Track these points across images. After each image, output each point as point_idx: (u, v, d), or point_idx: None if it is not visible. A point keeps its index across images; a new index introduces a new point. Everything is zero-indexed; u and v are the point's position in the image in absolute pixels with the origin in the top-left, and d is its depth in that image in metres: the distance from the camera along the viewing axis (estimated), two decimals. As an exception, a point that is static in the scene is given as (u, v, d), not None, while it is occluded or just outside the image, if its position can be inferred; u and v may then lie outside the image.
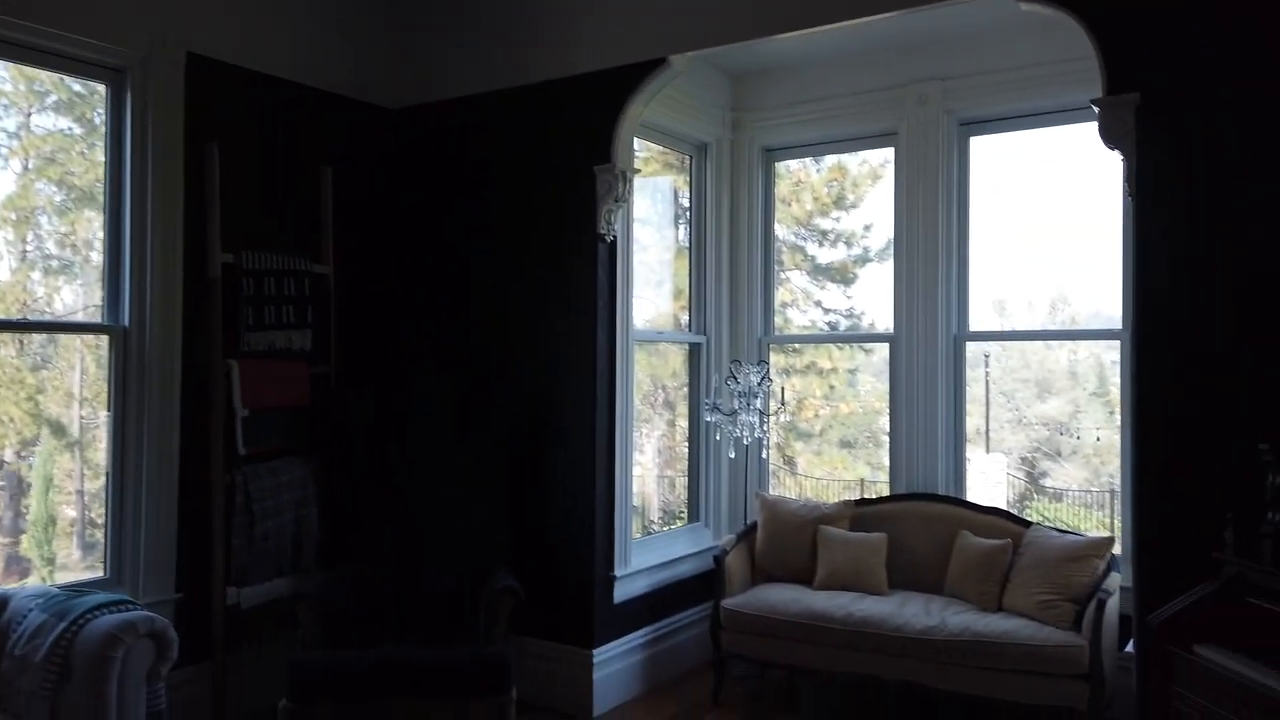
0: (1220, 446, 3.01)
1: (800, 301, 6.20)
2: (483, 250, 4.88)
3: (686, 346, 5.57)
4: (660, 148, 5.33)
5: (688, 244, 5.56)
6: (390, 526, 4.29)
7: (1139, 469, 3.25)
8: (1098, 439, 5.34)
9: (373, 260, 4.98)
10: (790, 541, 4.91)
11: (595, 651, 4.44)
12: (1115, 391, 5.03)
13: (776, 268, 5.82)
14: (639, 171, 4.76)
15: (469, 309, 4.92)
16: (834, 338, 5.99)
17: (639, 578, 4.79)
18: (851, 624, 4.31)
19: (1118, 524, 4.84)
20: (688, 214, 5.57)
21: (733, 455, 5.34)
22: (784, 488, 6.03)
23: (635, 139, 4.76)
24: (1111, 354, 4.85)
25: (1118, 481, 4.84)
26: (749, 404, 5.18)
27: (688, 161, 5.54)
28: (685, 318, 5.56)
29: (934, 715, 4.44)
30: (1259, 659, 2.44)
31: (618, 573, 4.59)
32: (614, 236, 4.63)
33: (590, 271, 4.55)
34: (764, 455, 5.56)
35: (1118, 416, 4.71)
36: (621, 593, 4.63)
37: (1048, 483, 5.54)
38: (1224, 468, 2.95)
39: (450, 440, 4.52)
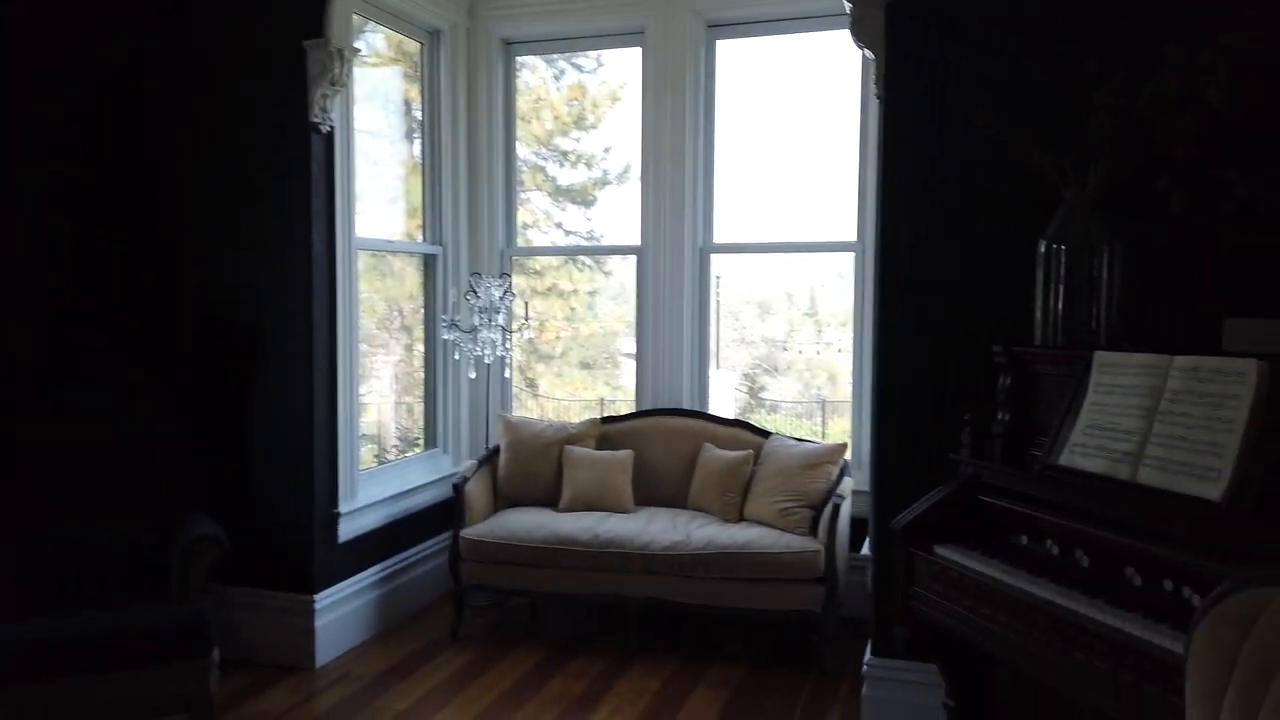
0: (957, 352, 3.07)
1: (542, 223, 5.89)
2: (182, 148, 4.07)
3: (421, 260, 5.06)
4: (388, 30, 4.70)
5: (422, 158, 5.01)
6: (56, 477, 3.52)
7: (880, 376, 3.27)
8: (819, 353, 5.58)
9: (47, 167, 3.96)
10: (535, 464, 4.66)
11: (317, 597, 3.96)
12: (825, 312, 5.18)
13: (518, 188, 5.43)
14: (359, 53, 4.15)
15: (159, 215, 4.11)
16: (582, 250, 5.72)
17: (370, 512, 4.34)
18: (597, 545, 4.15)
19: (826, 432, 5.01)
20: (422, 128, 5.00)
21: (473, 375, 4.97)
22: (526, 410, 5.76)
23: (356, 15, 4.13)
24: (827, 275, 4.99)
25: (825, 393, 5.02)
26: (490, 320, 4.81)
27: (420, 54, 4.95)
28: (421, 236, 5.05)
29: (678, 630, 4.42)
30: (993, 555, 2.48)
31: (343, 508, 4.11)
32: (331, 127, 4.02)
33: (303, 167, 3.92)
34: (506, 375, 5.23)
35: (826, 334, 4.86)
36: (349, 529, 4.17)
37: (765, 396, 5.73)
38: (961, 372, 3.01)
39: (134, 371, 3.78)
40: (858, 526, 4.43)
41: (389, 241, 4.82)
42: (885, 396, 3.25)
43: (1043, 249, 2.76)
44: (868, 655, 3.37)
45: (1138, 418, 2.27)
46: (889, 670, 3.28)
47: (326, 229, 4.03)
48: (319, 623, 3.97)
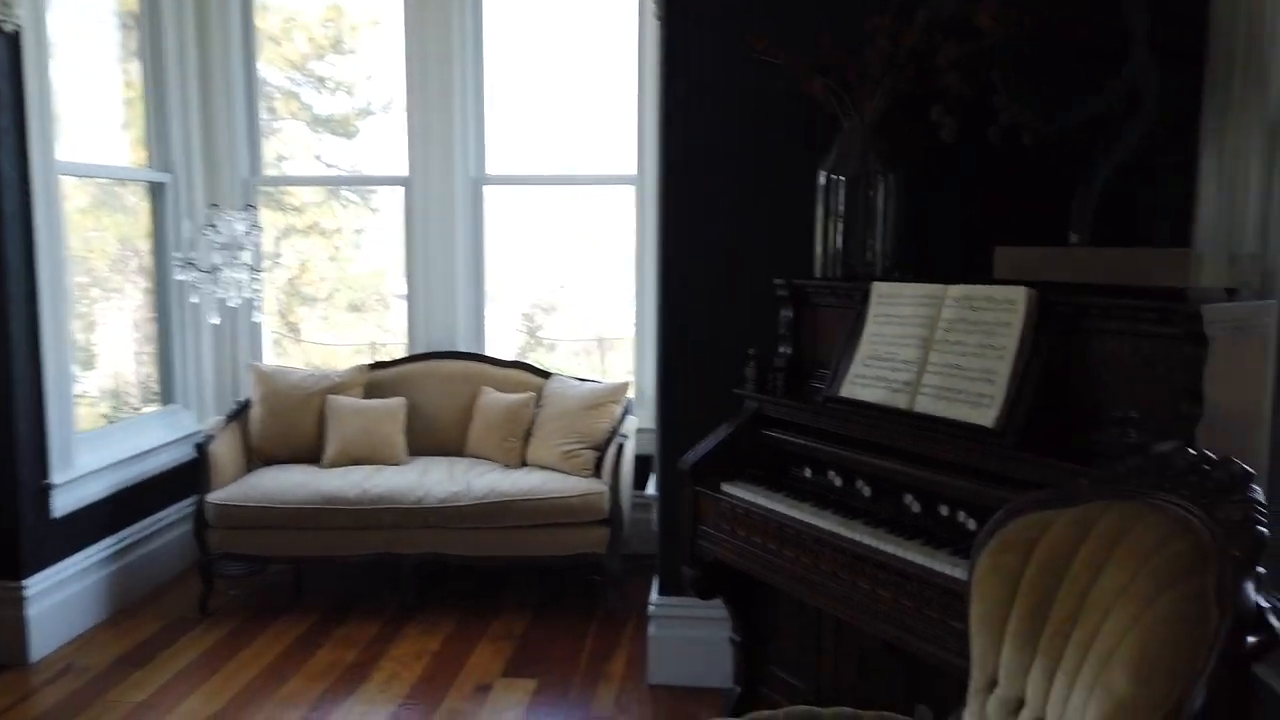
0: (743, 286, 3.00)
1: (300, 155, 5.31)
2: None
3: (149, 190, 4.39)
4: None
5: (144, 72, 4.30)
6: None
7: (664, 312, 3.15)
8: (600, 290, 5.46)
9: None
10: (294, 417, 4.23)
11: (28, 582, 3.39)
12: (605, 247, 5.04)
13: (270, 116, 4.83)
14: (49, -66, 3.44)
15: None
16: (340, 180, 5.21)
17: (94, 480, 3.75)
18: (368, 501, 3.82)
19: (606, 370, 4.91)
20: (142, 37, 4.28)
21: (216, 321, 4.41)
22: (289, 359, 5.23)
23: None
24: (607, 210, 4.83)
25: (606, 331, 4.93)
26: (234, 258, 4.26)
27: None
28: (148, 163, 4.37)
29: (456, 585, 4.21)
30: (778, 489, 2.45)
31: (57, 479, 3.52)
32: (18, 27, 3.32)
33: (-22, 71, 3.23)
34: (256, 319, 4.69)
35: (607, 271, 4.75)
36: (68, 502, 3.59)
37: (545, 335, 5.57)
38: (747, 307, 2.95)
39: None
40: (642, 465, 4.38)
41: (103, 167, 4.12)
42: (669, 333, 3.14)
43: (822, 180, 2.72)
44: (654, 595, 3.32)
45: (914, 347, 2.27)
46: (675, 608, 3.24)
47: (16, 149, 3.36)
48: (31, 611, 3.40)
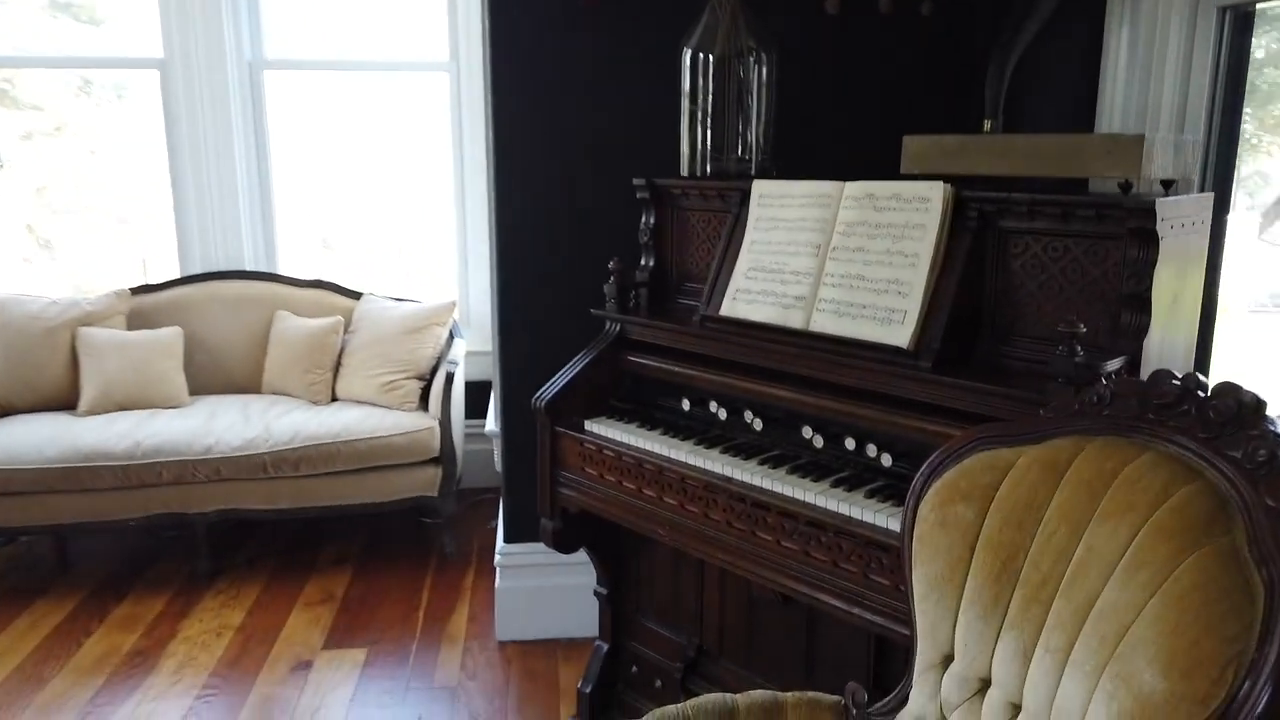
0: (600, 189, 2.57)
1: (31, 44, 4.29)
2: None
3: None
4: None
5: None
6: None
7: (501, 218, 2.67)
8: (410, 194, 4.85)
9: None
10: (36, 356, 3.45)
11: None
12: (416, 144, 4.43)
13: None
14: None
15: None
16: (76, 62, 4.24)
17: None
18: (141, 455, 3.17)
19: (423, 287, 4.35)
20: None
21: (-82, 239, 3.50)
22: (41, 285, 4.30)
23: None
24: (416, 101, 4.20)
25: (419, 242, 4.36)
26: (-66, 158, 3.35)
27: None
28: None
29: (262, 543, 3.65)
30: (653, 426, 2.10)
31: None
32: None
33: None
34: (-23, 236, 3.78)
35: (418, 171, 4.16)
36: None
37: (349, 249, 4.92)
38: (605, 213, 2.53)
39: None
40: (475, 393, 3.93)
41: None
42: (507, 244, 2.68)
43: (686, 59, 2.31)
44: (499, 544, 2.93)
45: (808, 256, 1.95)
46: (524, 555, 2.87)
47: None
48: None
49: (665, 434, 2.06)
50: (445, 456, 3.41)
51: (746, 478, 1.85)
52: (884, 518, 1.61)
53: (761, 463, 1.88)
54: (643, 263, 2.39)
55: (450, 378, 3.45)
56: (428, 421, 3.41)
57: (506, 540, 2.90)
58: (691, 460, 1.95)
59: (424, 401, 3.55)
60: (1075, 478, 1.26)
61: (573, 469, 2.19)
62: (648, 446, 2.04)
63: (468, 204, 4.02)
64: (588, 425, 2.16)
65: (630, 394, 2.26)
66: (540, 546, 2.41)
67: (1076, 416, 1.34)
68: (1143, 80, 2.02)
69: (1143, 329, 1.54)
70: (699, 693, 1.89)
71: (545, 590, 2.88)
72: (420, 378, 3.60)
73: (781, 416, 1.96)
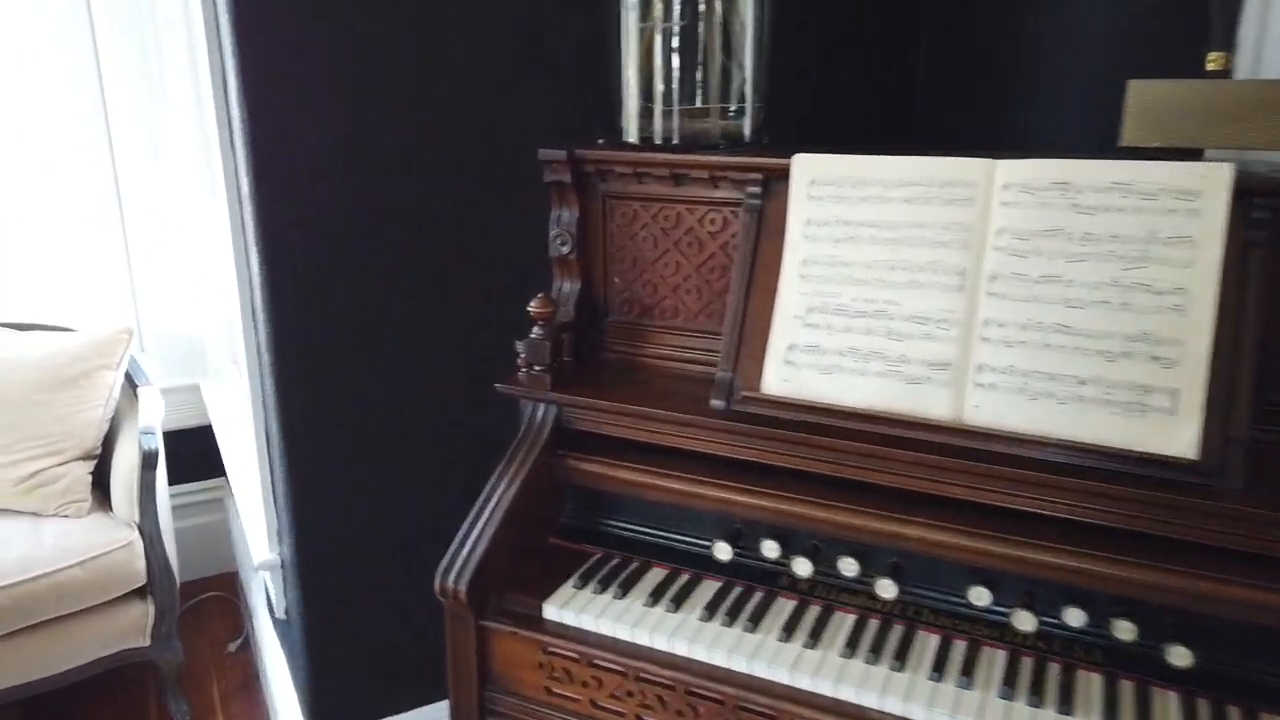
0: (478, 156, 1.51)
1: None
2: None
3: None
4: None
5: None
6: None
7: (266, 241, 1.51)
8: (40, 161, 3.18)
9: None
10: None
11: None
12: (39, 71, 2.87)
13: None
14: None
15: None
16: None
17: None
18: None
19: (62, 306, 2.84)
20: None
21: None
22: None
23: None
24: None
25: (54, 233, 2.84)
26: None
27: None
28: None
29: None
30: (660, 594, 1.20)
31: None
32: None
33: None
34: None
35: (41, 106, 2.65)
36: None
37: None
38: (480, 200, 1.49)
39: None
40: (178, 448, 2.65)
41: None
42: (278, 275, 1.53)
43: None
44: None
45: (938, 290, 1.14)
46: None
47: None
48: None
49: (710, 614, 1.16)
50: (156, 582, 2.14)
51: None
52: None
53: (930, 676, 1.06)
54: (557, 288, 1.42)
55: (150, 459, 2.15)
56: (119, 533, 2.11)
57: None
58: (783, 680, 1.08)
59: (100, 493, 2.23)
60: None
61: (525, 694, 1.20)
62: (702, 655, 1.13)
63: (121, 173, 2.62)
64: (551, 610, 1.19)
65: (581, 524, 1.31)
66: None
67: None
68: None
69: None
70: None
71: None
72: (87, 456, 2.25)
73: (922, 567, 1.15)
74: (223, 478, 2.86)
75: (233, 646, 2.56)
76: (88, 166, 2.59)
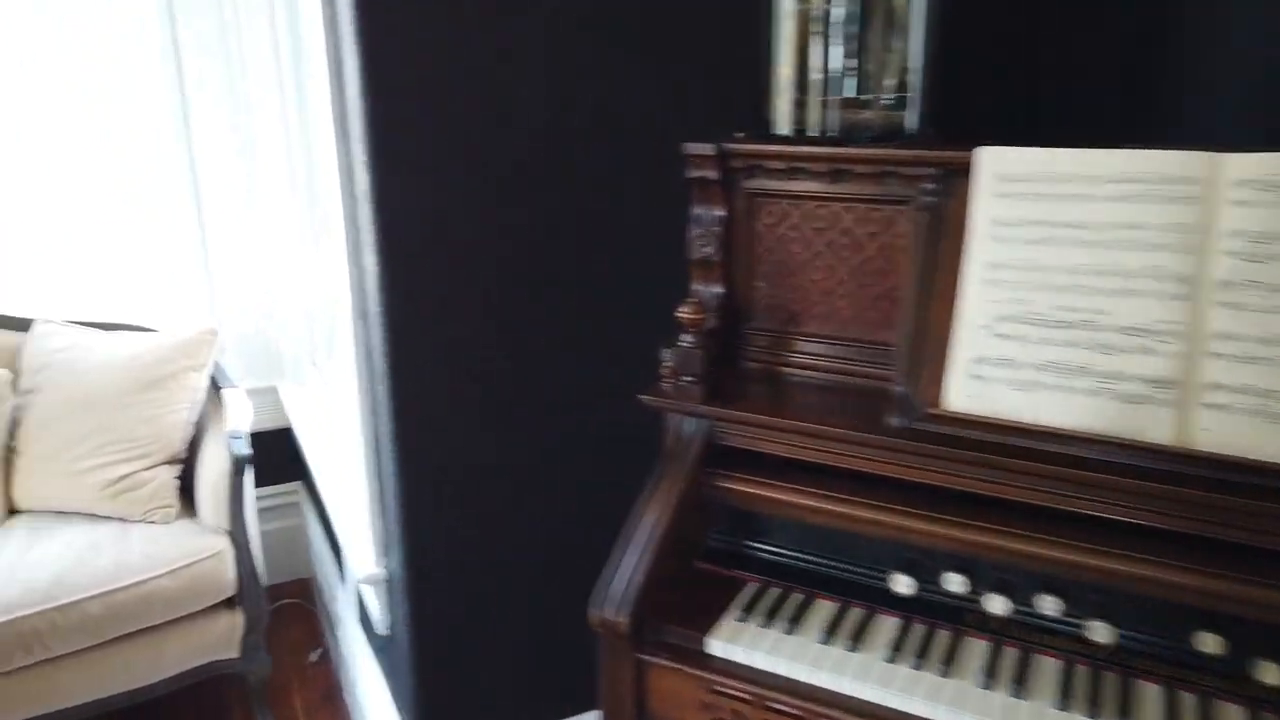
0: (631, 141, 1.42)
1: None
2: None
3: None
4: None
5: None
6: None
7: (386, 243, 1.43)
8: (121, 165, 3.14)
9: None
10: None
11: None
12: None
13: None
14: None
15: None
16: None
17: None
18: None
19: (114, 305, 2.76)
20: None
21: None
22: None
23: None
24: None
25: (135, 226, 2.77)
26: None
27: None
28: None
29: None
30: (849, 636, 1.09)
31: None
32: None
33: None
34: None
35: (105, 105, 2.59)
36: None
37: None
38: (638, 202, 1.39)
39: None
40: (266, 453, 2.59)
41: None
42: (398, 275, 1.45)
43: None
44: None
45: (1157, 299, 1.02)
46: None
47: None
48: None
49: (940, 668, 1.04)
50: (246, 592, 2.08)
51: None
52: None
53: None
54: (696, 292, 1.32)
55: (240, 464, 2.08)
56: (208, 541, 2.05)
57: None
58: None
59: (185, 499, 2.17)
60: None
61: (689, 734, 1.11)
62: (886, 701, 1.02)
63: (200, 172, 2.56)
64: (717, 646, 1.09)
65: (728, 547, 1.21)
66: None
67: None
68: None
69: None
70: None
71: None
72: (173, 460, 2.19)
73: (1137, 608, 1.03)
74: (297, 482, 2.80)
75: (314, 656, 2.50)
76: (167, 165, 2.54)
